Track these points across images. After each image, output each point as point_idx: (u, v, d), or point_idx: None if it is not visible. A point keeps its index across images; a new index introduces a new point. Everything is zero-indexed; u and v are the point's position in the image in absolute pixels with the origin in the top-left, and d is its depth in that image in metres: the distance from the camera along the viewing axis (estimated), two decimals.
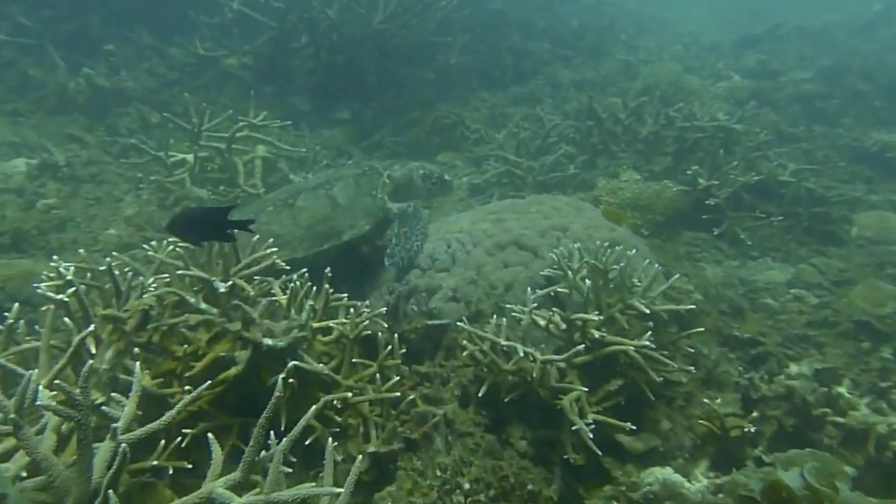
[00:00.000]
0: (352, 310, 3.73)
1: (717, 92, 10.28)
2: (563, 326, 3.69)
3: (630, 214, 6.36)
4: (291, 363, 3.04)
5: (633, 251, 4.77)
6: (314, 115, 9.72)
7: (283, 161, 7.82)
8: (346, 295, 3.91)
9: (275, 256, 3.77)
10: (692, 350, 4.08)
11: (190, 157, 6.98)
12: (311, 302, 3.49)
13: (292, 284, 3.62)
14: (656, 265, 4.07)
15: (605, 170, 7.27)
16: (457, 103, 10.51)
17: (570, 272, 3.96)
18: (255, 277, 3.76)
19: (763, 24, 15.26)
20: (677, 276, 3.91)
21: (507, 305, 3.82)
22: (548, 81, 11.52)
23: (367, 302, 4.73)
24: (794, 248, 6.00)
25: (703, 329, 3.87)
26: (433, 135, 9.11)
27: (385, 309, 3.83)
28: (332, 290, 3.96)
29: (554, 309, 3.80)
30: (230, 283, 3.55)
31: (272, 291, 3.70)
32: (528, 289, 3.78)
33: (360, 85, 9.83)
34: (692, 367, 3.82)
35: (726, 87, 10.72)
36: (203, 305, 3.51)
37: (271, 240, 4.02)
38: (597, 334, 3.59)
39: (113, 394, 2.58)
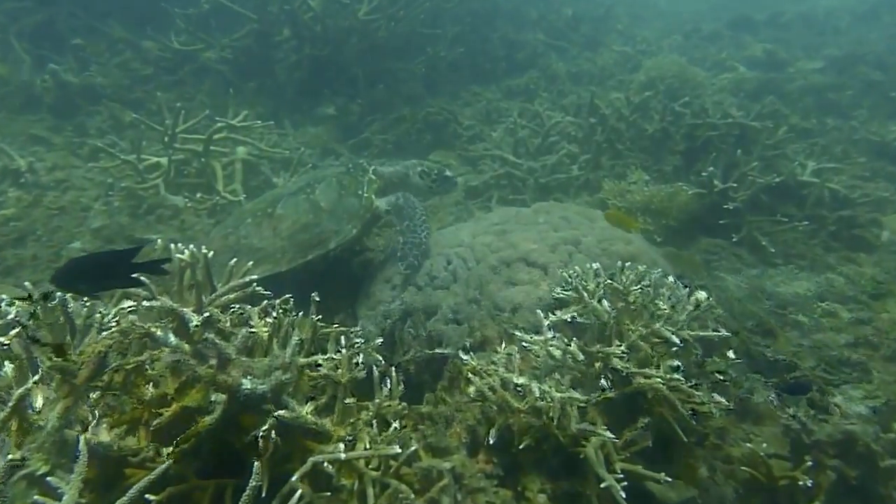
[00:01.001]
0: (343, 339, 3.34)
1: (723, 84, 9.91)
2: (582, 357, 3.32)
3: (641, 219, 6.01)
4: (273, 417, 2.63)
5: (655, 269, 4.42)
6: (298, 112, 9.29)
7: (266, 163, 7.38)
8: (336, 324, 3.50)
9: (255, 284, 3.36)
10: (721, 377, 3.71)
11: (165, 160, 6.54)
12: (296, 337, 3.08)
13: (275, 314, 3.23)
14: (682, 285, 3.70)
15: (610, 170, 6.88)
16: (447, 98, 10.14)
17: (585, 294, 3.58)
18: (233, 306, 3.37)
19: (762, 12, 14.92)
20: (708, 298, 3.52)
21: (518, 334, 3.43)
22: (543, 74, 11.14)
23: (360, 327, 4.35)
24: (820, 254, 5.64)
25: (739, 359, 3.50)
26: (424, 132, 8.72)
27: (381, 340, 3.42)
28: (319, 317, 3.58)
29: (573, 339, 3.41)
30: (205, 314, 3.15)
31: (251, 322, 3.29)
32: (542, 314, 3.38)
33: (346, 79, 9.44)
34: (724, 400, 3.43)
35: (731, 78, 10.36)
36: (173, 340, 3.10)
37: (250, 263, 3.62)
38: (620, 365, 3.21)
39: (49, 478, 2.16)
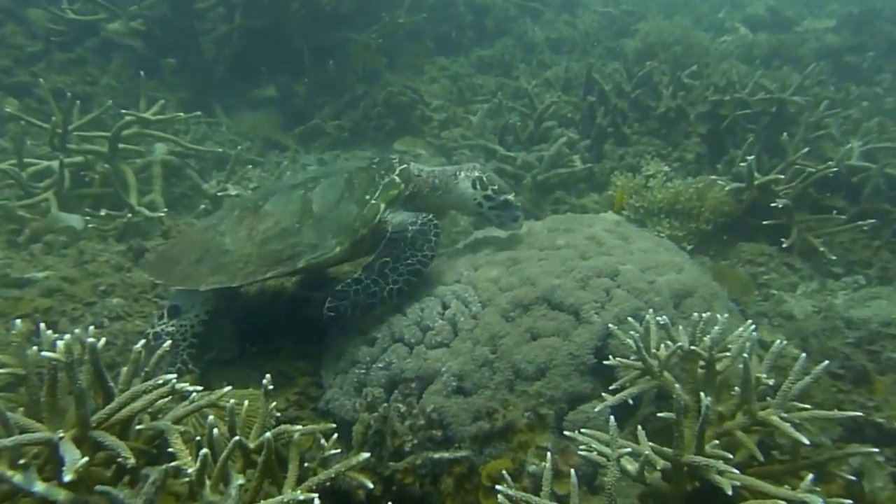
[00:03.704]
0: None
1: (727, 48, 9.13)
2: (664, 464, 2.45)
3: (666, 222, 5.20)
4: None
5: (716, 302, 3.56)
6: (231, 96, 8.16)
7: (193, 162, 6.28)
8: (298, 428, 2.51)
9: (173, 380, 2.35)
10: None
11: (56, 164, 5.38)
12: (241, 480, 2.10)
13: (206, 432, 2.25)
14: (781, 341, 2.83)
15: (619, 161, 6.02)
16: (409, 72, 9.17)
17: (654, 364, 2.70)
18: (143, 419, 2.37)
19: None
20: (822, 363, 2.66)
21: (578, 437, 2.51)
22: (518, 42, 10.28)
23: (328, 397, 3.38)
24: (889, 260, 4.89)
25: (875, 449, 2.66)
26: (386, 116, 7.74)
27: (368, 455, 2.45)
28: (273, 408, 2.61)
29: (639, 431, 2.52)
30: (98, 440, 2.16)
31: (170, 447, 2.29)
32: (611, 418, 2.44)
33: (288, 54, 8.45)
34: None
35: (732, 40, 9.62)
36: (40, 487, 2.11)
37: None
38: (720, 480, 2.34)
39: None
